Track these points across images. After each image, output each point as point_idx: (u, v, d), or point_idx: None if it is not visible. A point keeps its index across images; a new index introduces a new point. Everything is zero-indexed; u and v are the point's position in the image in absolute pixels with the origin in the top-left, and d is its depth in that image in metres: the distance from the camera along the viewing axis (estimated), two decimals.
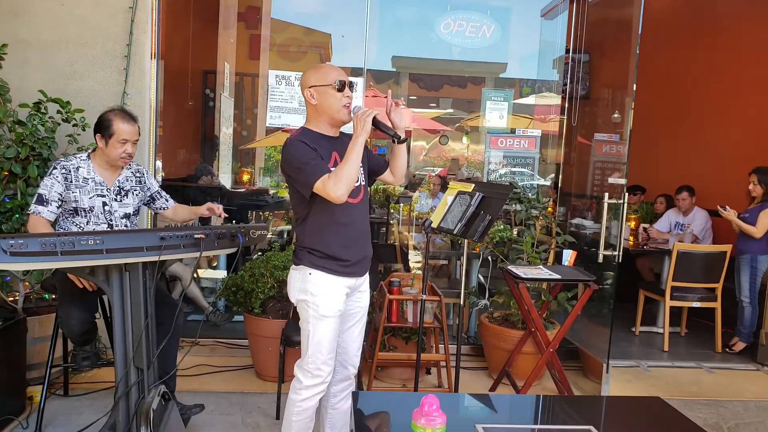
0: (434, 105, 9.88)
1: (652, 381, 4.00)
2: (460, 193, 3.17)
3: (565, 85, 4.59)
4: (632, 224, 5.74)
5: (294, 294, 2.30)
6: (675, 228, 5.51)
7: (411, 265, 5.39)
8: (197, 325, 4.44)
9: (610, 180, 3.61)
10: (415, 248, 5.83)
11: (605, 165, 4.34)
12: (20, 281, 3.22)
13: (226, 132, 6.46)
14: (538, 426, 1.64)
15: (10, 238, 2.03)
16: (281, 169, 2.25)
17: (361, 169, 2.33)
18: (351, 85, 2.22)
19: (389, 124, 2.30)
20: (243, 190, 6.19)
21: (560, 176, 5.90)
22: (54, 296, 3.10)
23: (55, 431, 2.79)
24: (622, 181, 3.53)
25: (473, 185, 3.10)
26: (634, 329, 5.03)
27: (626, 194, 3.50)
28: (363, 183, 2.34)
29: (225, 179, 6.22)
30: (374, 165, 2.45)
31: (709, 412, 3.53)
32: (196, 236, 2.51)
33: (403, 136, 2.32)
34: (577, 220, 5.04)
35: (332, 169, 2.14)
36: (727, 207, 4.45)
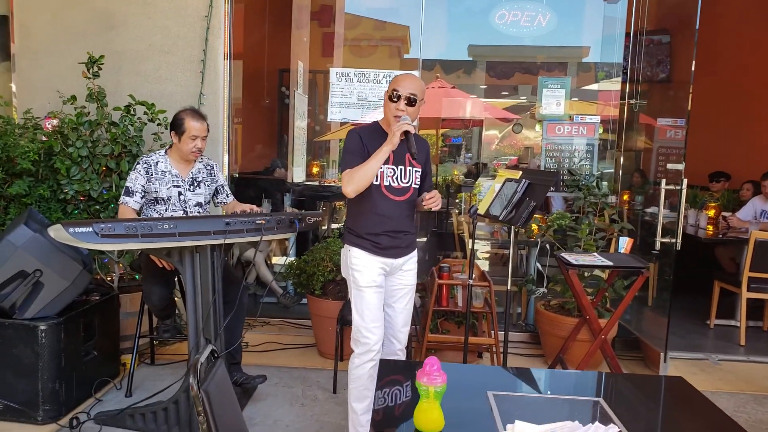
0: (506, 93, 9.79)
1: (721, 375, 3.86)
2: (507, 180, 3.25)
3: (625, 68, 4.46)
4: (711, 212, 5.48)
5: (343, 270, 2.59)
6: (761, 216, 5.20)
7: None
8: (270, 306, 4.80)
9: (669, 166, 3.51)
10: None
11: (669, 150, 4.20)
12: (115, 263, 3.67)
13: (299, 127, 6.81)
14: (547, 395, 1.73)
15: (102, 222, 2.39)
16: None
17: (417, 173, 2.52)
18: (410, 101, 2.37)
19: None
20: (315, 183, 6.51)
21: (637, 163, 5.73)
22: (140, 275, 3.51)
23: (142, 393, 3.18)
24: (680, 166, 3.43)
25: (521, 173, 3.17)
26: (708, 322, 4.82)
27: (685, 180, 3.40)
28: (414, 186, 2.52)
29: (298, 172, 6.57)
30: (424, 181, 2.59)
31: None
32: (257, 222, 2.79)
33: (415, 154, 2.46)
34: (652, 209, 4.91)
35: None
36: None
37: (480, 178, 6.64)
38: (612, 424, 1.48)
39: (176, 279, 3.26)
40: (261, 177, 5.76)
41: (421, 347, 3.58)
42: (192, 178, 3.10)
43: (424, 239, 6.49)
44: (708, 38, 6.79)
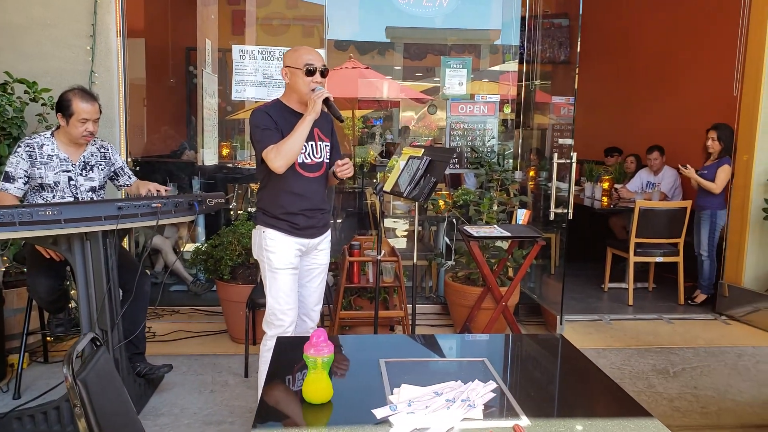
0: (420, 75, 9.93)
1: (612, 333, 4.19)
2: (411, 157, 3.33)
3: (522, 50, 4.67)
4: (606, 185, 5.88)
5: (255, 251, 2.55)
6: (646, 187, 5.64)
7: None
8: (180, 294, 4.68)
9: (560, 141, 3.73)
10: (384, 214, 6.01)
11: (562, 127, 4.46)
12: None
13: (209, 107, 6.59)
14: (435, 359, 1.82)
15: None
16: (250, 133, 2.44)
17: (327, 147, 2.53)
18: (323, 72, 2.38)
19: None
20: (228, 165, 6.35)
21: (539, 140, 6.03)
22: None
23: (33, 394, 3.01)
24: (570, 141, 3.65)
25: (423, 150, 3.25)
26: (603, 286, 5.20)
27: (574, 154, 3.62)
28: (326, 161, 2.53)
29: (209, 154, 6.37)
30: (332, 154, 2.60)
31: (660, 359, 3.71)
32: (153, 205, 2.69)
33: (342, 120, 2.51)
34: (557, 183, 5.18)
35: None
36: (687, 165, 4.56)
37: (393, 157, 6.75)
38: (491, 381, 1.59)
39: (68, 269, 3.10)
40: (168, 160, 5.55)
41: (333, 325, 3.64)
42: (84, 162, 2.94)
43: (341, 220, 6.53)
44: (602, 23, 7.22)
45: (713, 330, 4.27)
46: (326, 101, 2.34)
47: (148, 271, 3.53)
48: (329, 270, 4.13)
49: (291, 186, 2.41)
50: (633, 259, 4.80)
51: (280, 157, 2.27)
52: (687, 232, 4.80)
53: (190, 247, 5.29)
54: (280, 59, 4.37)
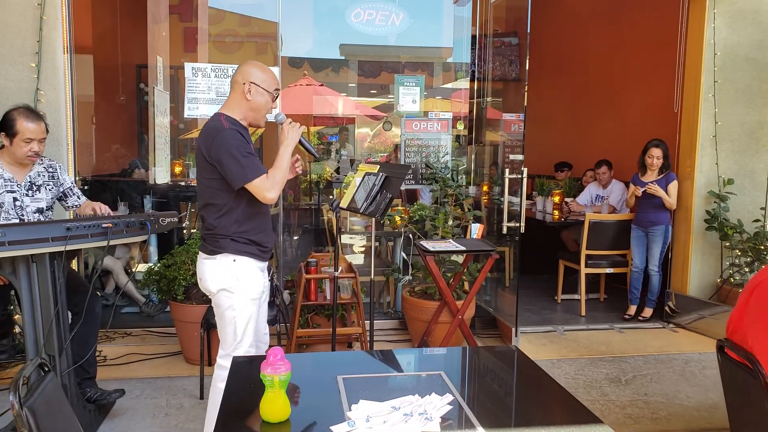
0: (375, 92, 10.03)
1: (566, 343, 4.29)
2: (367, 174, 3.36)
3: (473, 68, 4.80)
4: (557, 199, 6.06)
5: (214, 284, 2.32)
6: (595, 200, 5.84)
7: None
8: (132, 316, 4.54)
9: (511, 156, 3.84)
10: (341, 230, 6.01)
11: (513, 143, 4.59)
12: None
13: (161, 125, 6.47)
14: (393, 374, 1.84)
15: None
16: (208, 154, 2.23)
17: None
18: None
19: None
20: (181, 183, 6.23)
21: (491, 156, 6.17)
22: None
23: None
24: (520, 156, 3.76)
25: (378, 167, 3.29)
26: (556, 297, 5.33)
27: (525, 169, 3.73)
28: None
29: (161, 172, 6.24)
30: None
31: (612, 367, 3.83)
32: (103, 226, 2.62)
33: (317, 158, 2.54)
34: (509, 197, 5.30)
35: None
36: (654, 183, 4.54)
37: (350, 173, 6.78)
38: (448, 394, 1.61)
39: (13, 292, 2.97)
40: (118, 179, 5.41)
41: (290, 343, 3.60)
42: (30, 182, 2.84)
43: (297, 237, 6.48)
44: (550, 41, 7.50)
45: (662, 338, 4.44)
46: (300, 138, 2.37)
47: (98, 293, 3.41)
48: (285, 288, 4.11)
49: (257, 207, 2.33)
50: (584, 270, 4.94)
51: (276, 188, 2.24)
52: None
53: (142, 267, 5.15)
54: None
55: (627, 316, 4.81)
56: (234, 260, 2.31)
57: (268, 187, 2.22)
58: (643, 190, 4.56)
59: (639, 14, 6.08)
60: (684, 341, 4.37)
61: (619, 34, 6.45)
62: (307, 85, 7.19)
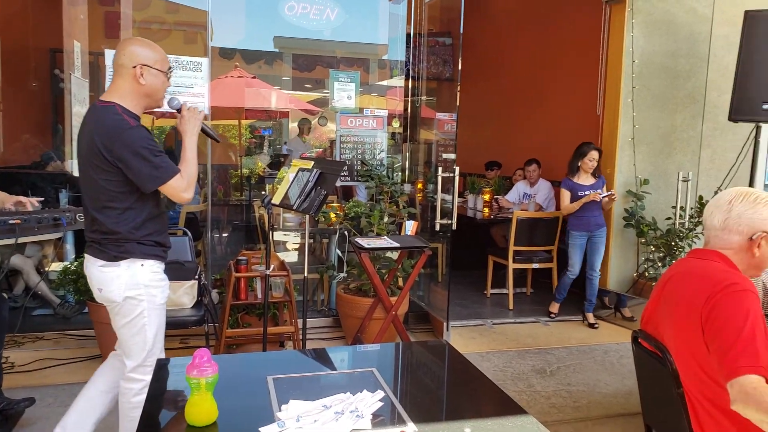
0: (309, 86, 9.91)
1: (494, 336, 4.41)
2: (301, 170, 3.30)
3: (408, 66, 4.84)
4: (487, 197, 6.22)
5: (119, 293, 2.14)
6: (523, 198, 6.04)
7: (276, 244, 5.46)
8: (46, 319, 4.26)
9: (444, 155, 3.90)
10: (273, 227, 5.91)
11: (446, 142, 4.66)
12: None
13: (78, 114, 6.09)
14: (325, 372, 1.82)
15: None
16: (109, 153, 2.03)
17: None
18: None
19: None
20: None
21: (425, 154, 6.24)
22: None
23: None
24: (453, 155, 3.83)
25: (312, 163, 3.25)
26: (486, 292, 5.48)
27: (457, 168, 3.80)
28: None
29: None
30: None
31: (538, 359, 3.97)
32: (11, 222, 2.44)
33: (218, 140, 2.44)
34: (442, 195, 5.38)
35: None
36: (607, 192, 4.55)
37: (283, 168, 6.66)
38: (379, 390, 1.60)
39: None
40: (29, 171, 5.05)
41: (219, 344, 3.49)
42: None
43: (226, 234, 6.30)
44: (483, 43, 7.68)
45: (584, 330, 4.65)
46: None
47: (5, 295, 3.17)
48: (214, 287, 3.98)
49: (157, 205, 2.20)
50: (512, 266, 5.10)
51: (192, 187, 2.12)
52: (563, 241, 5.16)
53: (57, 266, 4.83)
54: None
55: (553, 315, 4.85)
56: (142, 265, 2.15)
57: (183, 187, 2.10)
58: (607, 195, 4.48)
59: (565, 20, 6.33)
60: (603, 332, 4.60)
61: (546, 38, 6.70)
62: (238, 77, 7.01)
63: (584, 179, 4.65)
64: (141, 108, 2.19)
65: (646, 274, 4.76)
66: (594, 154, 4.59)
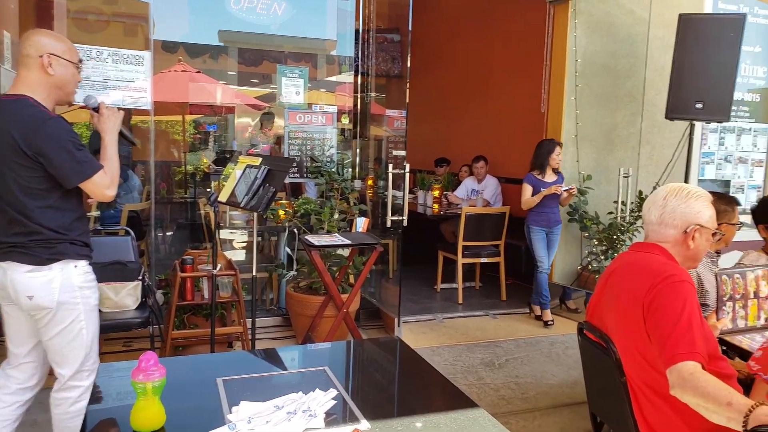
0: (256, 81, 9.72)
1: (444, 331, 4.47)
2: (248, 166, 3.23)
3: (357, 62, 4.83)
4: (436, 193, 6.29)
5: (52, 297, 2.02)
6: (471, 194, 6.14)
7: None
8: None
9: (394, 152, 3.91)
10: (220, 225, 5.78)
11: (396, 139, 4.68)
12: None
13: None
14: (276, 372, 1.79)
15: None
16: (28, 147, 1.91)
17: None
18: None
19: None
20: None
21: (375, 151, 6.24)
22: None
23: None
24: (403, 152, 3.85)
25: (260, 159, 3.18)
26: (436, 287, 5.54)
27: (407, 164, 3.82)
28: None
29: None
30: None
31: (487, 352, 4.05)
32: None
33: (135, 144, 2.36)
34: (393, 191, 5.39)
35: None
36: (566, 187, 4.57)
37: (230, 164, 6.51)
38: (332, 389, 1.59)
39: None
40: None
41: (165, 346, 3.38)
42: None
43: (171, 232, 6.11)
44: (431, 40, 7.75)
45: (531, 322, 4.77)
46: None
47: None
48: (158, 287, 3.86)
49: (80, 204, 2.11)
50: (461, 260, 5.18)
51: (115, 184, 2.05)
52: (510, 236, 5.28)
53: None
54: (97, 59, 3.99)
55: (550, 323, 4.62)
56: (75, 266, 2.06)
57: (107, 184, 2.03)
58: (567, 189, 4.51)
59: (511, 19, 6.47)
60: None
61: (493, 37, 6.82)
62: (182, 71, 6.80)
63: (548, 176, 4.63)
64: (52, 101, 2.07)
65: (590, 267, 4.93)
66: (559, 150, 4.62)
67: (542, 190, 4.54)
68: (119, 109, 2.20)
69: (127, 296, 3.14)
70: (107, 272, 3.07)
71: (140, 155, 6.36)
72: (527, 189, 4.60)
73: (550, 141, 4.68)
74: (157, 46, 6.34)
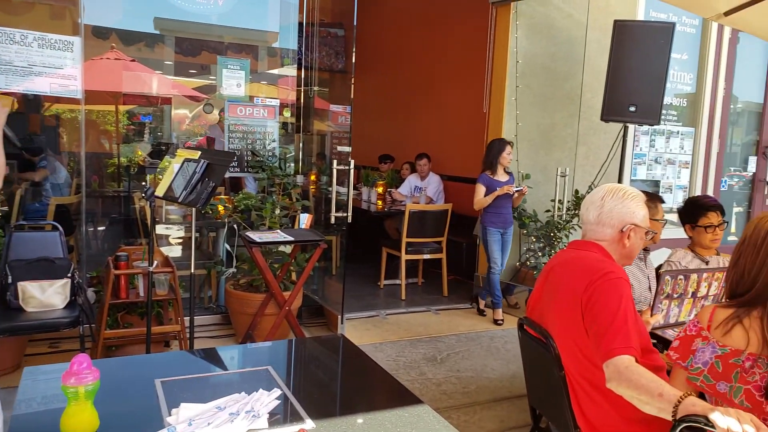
0: (194, 72, 9.41)
1: (387, 327, 4.48)
2: (186, 160, 3.12)
3: (300, 56, 4.76)
4: (380, 189, 6.29)
5: None
6: (414, 191, 6.18)
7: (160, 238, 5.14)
8: None
9: (339, 148, 3.88)
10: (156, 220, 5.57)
11: (341, 134, 4.65)
12: None
13: None
14: (217, 372, 1.73)
15: None
16: None
17: None
18: None
19: None
20: None
21: (319, 146, 6.17)
22: None
23: None
24: (348, 148, 3.82)
25: (199, 153, 3.08)
26: (379, 283, 5.55)
27: (352, 161, 3.80)
28: None
29: None
30: None
31: (429, 347, 4.09)
32: None
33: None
34: (337, 187, 5.35)
35: None
36: (517, 188, 4.59)
37: (167, 157, 6.27)
38: (276, 389, 1.55)
39: None
40: None
41: (97, 346, 3.22)
42: None
43: (103, 227, 5.84)
44: (376, 35, 7.74)
45: (471, 317, 4.86)
46: None
47: None
48: (89, 285, 3.67)
49: None
50: (404, 257, 5.21)
51: (0, 178, 1.89)
52: (452, 233, 5.35)
53: None
54: (21, 43, 3.75)
55: (500, 321, 4.65)
56: None
57: None
58: (518, 189, 4.53)
59: (455, 18, 6.54)
60: (490, 319, 4.83)
61: (437, 36, 6.89)
62: (115, 59, 6.49)
63: (500, 175, 4.61)
64: None
65: (528, 263, 5.07)
66: (510, 149, 4.60)
67: (497, 189, 4.52)
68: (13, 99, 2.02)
69: (54, 294, 2.97)
70: (32, 269, 2.89)
71: (69, 146, 6.02)
72: (480, 189, 4.56)
73: (501, 140, 4.67)
74: (87, 32, 6.02)
